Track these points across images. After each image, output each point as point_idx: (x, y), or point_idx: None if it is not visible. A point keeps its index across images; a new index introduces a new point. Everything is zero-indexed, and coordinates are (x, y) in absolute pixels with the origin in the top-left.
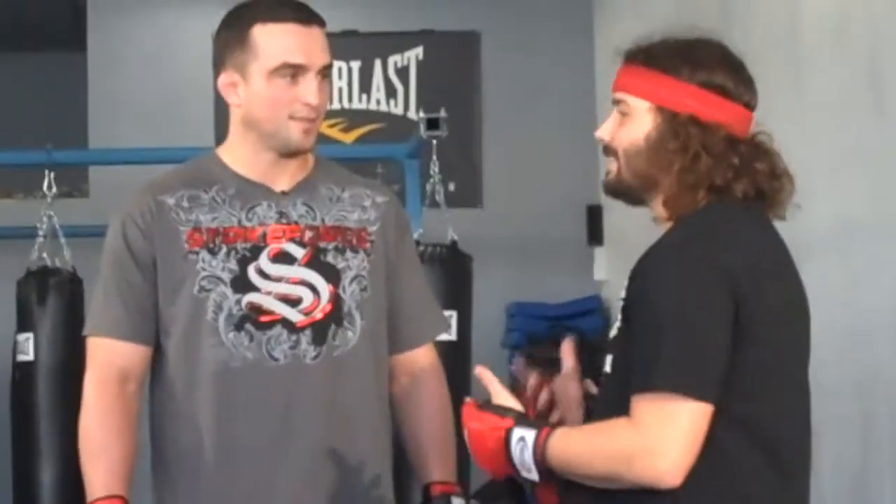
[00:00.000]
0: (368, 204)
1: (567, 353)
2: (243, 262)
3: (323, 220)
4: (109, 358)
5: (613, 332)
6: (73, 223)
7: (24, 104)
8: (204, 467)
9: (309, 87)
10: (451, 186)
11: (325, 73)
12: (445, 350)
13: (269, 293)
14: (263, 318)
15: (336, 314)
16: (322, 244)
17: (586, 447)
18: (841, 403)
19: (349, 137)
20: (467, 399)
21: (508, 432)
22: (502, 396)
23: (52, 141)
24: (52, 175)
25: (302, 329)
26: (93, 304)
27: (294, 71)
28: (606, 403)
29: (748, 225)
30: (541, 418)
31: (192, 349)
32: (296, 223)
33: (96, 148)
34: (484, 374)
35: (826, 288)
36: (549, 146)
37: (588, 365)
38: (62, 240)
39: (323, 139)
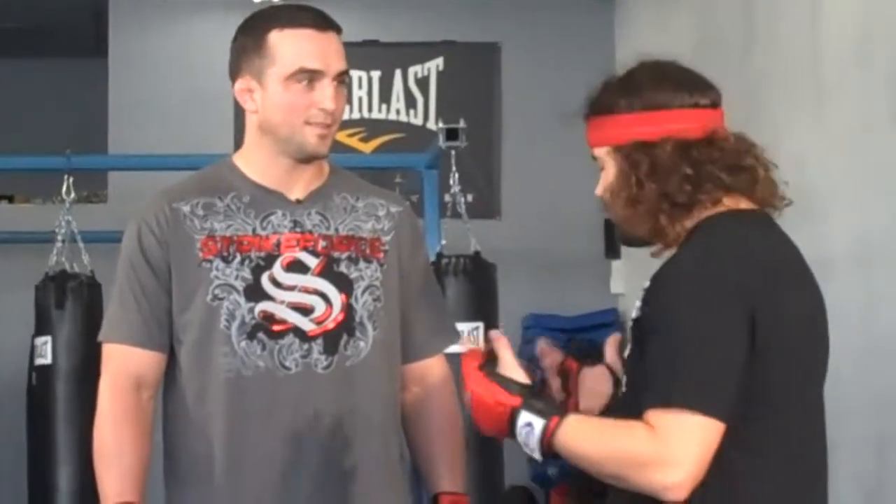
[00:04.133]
0: (383, 214)
1: (611, 346)
2: (257, 271)
3: (337, 230)
4: (124, 365)
5: (627, 352)
6: (91, 228)
7: (44, 109)
8: (215, 474)
9: (325, 93)
10: (470, 197)
11: (342, 79)
12: None
13: (281, 302)
14: (276, 327)
15: (348, 324)
16: (335, 254)
17: (599, 444)
18: (858, 422)
19: (368, 147)
20: (468, 347)
21: (514, 413)
22: (511, 367)
23: (72, 146)
24: (72, 180)
25: (314, 338)
26: (108, 311)
27: (310, 76)
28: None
29: (754, 236)
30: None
31: (205, 357)
32: (310, 232)
33: (116, 154)
34: (499, 341)
35: (845, 306)
36: (568, 159)
37: None
38: (81, 244)
39: (342, 148)
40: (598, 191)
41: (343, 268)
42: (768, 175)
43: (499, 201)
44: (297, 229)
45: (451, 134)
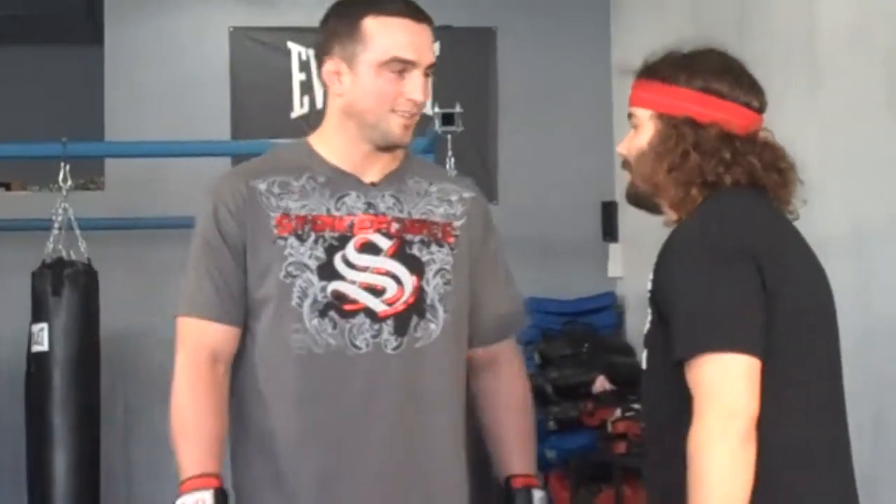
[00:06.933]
0: (455, 199)
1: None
2: (330, 251)
3: (410, 213)
4: (200, 339)
5: (647, 327)
6: (88, 215)
7: (40, 97)
8: (283, 449)
9: (415, 84)
10: None
11: (430, 72)
12: None
13: (353, 282)
14: (347, 307)
15: (419, 306)
16: (408, 236)
17: (701, 483)
18: (852, 405)
19: None
20: None
21: None
22: None
23: (69, 133)
24: (68, 167)
25: (384, 319)
26: (183, 286)
27: (403, 66)
28: (650, 398)
29: (755, 205)
30: None
31: (277, 334)
32: (383, 214)
33: (112, 141)
34: None
35: (840, 290)
36: (565, 142)
37: (600, 361)
38: (77, 232)
39: None
40: (622, 148)
41: (415, 251)
42: (795, 185)
43: (495, 186)
44: (371, 211)
45: (448, 119)
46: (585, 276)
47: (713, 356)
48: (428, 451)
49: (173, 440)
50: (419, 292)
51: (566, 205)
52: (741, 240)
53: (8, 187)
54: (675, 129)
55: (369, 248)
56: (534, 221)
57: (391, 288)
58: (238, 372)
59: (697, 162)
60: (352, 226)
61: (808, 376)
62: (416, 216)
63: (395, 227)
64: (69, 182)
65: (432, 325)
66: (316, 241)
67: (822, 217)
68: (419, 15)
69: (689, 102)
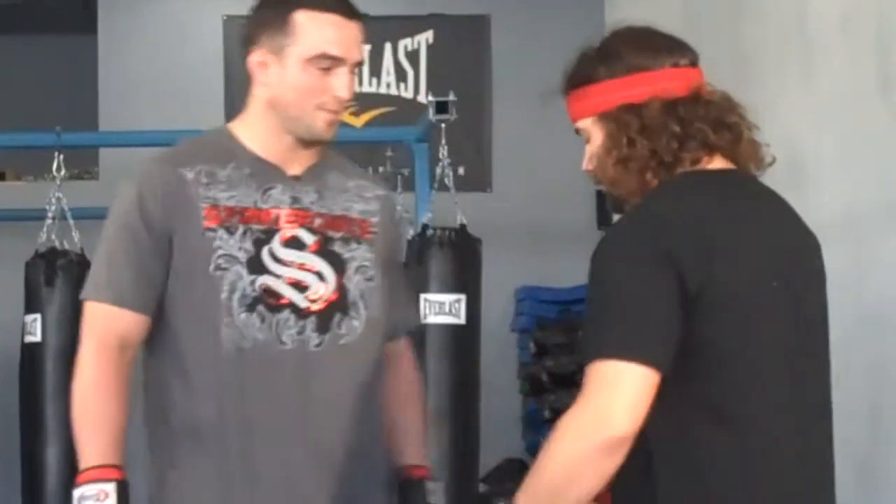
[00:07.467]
0: (370, 196)
1: None
2: (258, 244)
3: (331, 209)
4: (110, 325)
5: None
6: (82, 205)
7: (34, 87)
8: (214, 443)
9: (342, 81)
10: (461, 170)
11: (356, 70)
12: (454, 333)
13: (279, 277)
14: (274, 302)
15: (341, 303)
16: (330, 233)
17: (541, 468)
18: (848, 392)
19: (359, 121)
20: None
21: None
22: None
23: (63, 123)
24: (62, 157)
25: (307, 316)
26: (94, 269)
27: (331, 63)
28: None
29: (701, 197)
30: None
31: (205, 327)
32: (307, 209)
33: (106, 130)
34: None
35: (834, 275)
36: (559, 130)
37: None
38: (71, 222)
39: None
40: (585, 164)
41: (337, 247)
42: (751, 135)
43: (490, 174)
44: (296, 205)
45: (441, 107)
46: (580, 264)
47: (606, 362)
48: (365, 443)
49: (75, 427)
50: (341, 289)
51: (560, 192)
52: (664, 242)
53: (2, 177)
54: (615, 121)
55: (294, 244)
56: (528, 209)
57: (314, 284)
58: (160, 363)
59: (646, 146)
60: (277, 219)
61: (752, 380)
62: (336, 212)
63: (318, 222)
64: (63, 172)
65: (355, 322)
66: (244, 234)
67: (816, 203)
68: (351, 12)
69: (620, 91)
